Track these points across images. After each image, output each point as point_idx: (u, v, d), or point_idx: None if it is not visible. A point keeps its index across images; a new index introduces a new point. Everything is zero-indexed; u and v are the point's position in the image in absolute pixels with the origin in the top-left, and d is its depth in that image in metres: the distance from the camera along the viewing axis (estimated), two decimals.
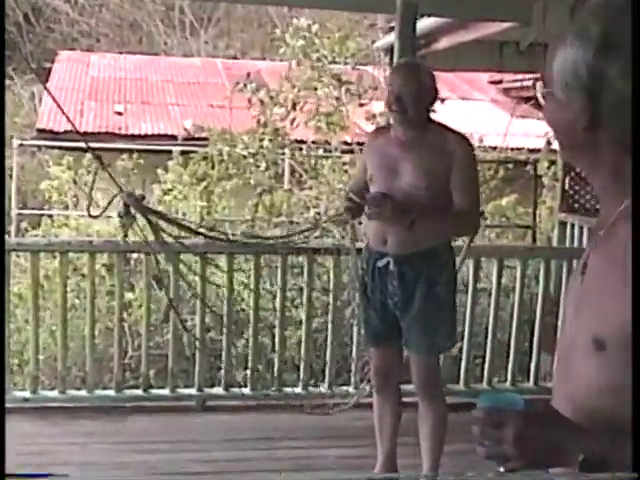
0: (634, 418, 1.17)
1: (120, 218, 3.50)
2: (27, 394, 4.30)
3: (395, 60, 4.34)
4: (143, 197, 3.57)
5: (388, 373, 3.62)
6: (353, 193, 3.32)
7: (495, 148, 8.35)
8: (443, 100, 6.91)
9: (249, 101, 6.56)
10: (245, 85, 6.50)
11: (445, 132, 3.35)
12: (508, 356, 4.74)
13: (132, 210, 3.50)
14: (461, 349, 4.77)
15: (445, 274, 3.39)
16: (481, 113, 11.24)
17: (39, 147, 10.01)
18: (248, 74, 6.56)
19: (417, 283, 3.34)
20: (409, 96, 3.25)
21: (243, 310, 5.15)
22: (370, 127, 6.75)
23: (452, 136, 3.34)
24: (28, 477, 3.37)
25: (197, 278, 4.50)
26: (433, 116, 3.38)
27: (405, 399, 3.76)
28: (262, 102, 6.32)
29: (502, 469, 1.24)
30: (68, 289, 4.42)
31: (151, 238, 3.62)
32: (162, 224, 3.70)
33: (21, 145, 9.85)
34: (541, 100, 1.37)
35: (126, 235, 3.62)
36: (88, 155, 7.00)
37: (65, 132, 9.71)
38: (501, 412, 1.26)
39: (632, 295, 1.19)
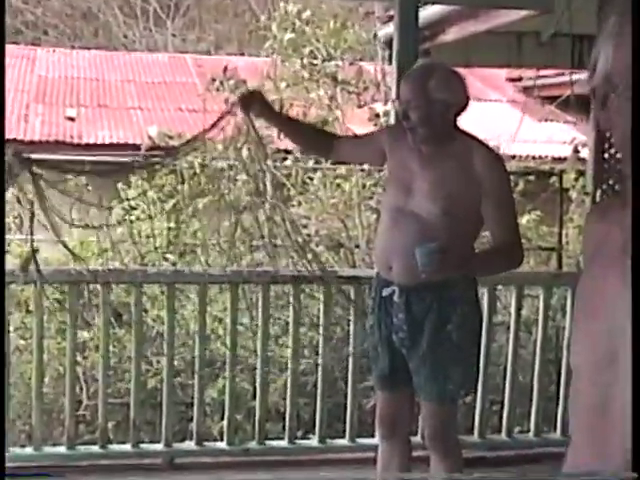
0: (634, 418, 1.22)
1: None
2: None
3: (395, 54, 4.39)
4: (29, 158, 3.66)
5: (396, 421, 3.65)
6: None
7: (514, 157, 8.39)
8: None
9: (226, 102, 6.59)
10: (222, 83, 6.52)
11: (474, 147, 3.32)
12: (531, 402, 4.76)
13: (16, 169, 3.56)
14: (475, 393, 4.80)
15: (461, 310, 3.37)
16: (497, 116, 11.31)
17: None
18: (225, 69, 6.57)
19: (426, 318, 3.35)
20: (419, 112, 3.25)
21: (218, 350, 5.16)
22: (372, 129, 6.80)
23: (482, 152, 3.31)
24: (28, 477, 3.39)
25: (163, 312, 4.52)
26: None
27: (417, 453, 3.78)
28: None
29: None
30: (11, 327, 4.42)
31: None
32: None
33: None
34: (593, 102, 1.37)
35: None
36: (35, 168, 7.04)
37: (7, 141, 9.75)
38: None
39: (632, 295, 1.24)
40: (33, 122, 10.55)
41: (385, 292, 3.41)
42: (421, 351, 3.38)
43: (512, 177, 7.88)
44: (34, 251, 4.01)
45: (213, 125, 3.74)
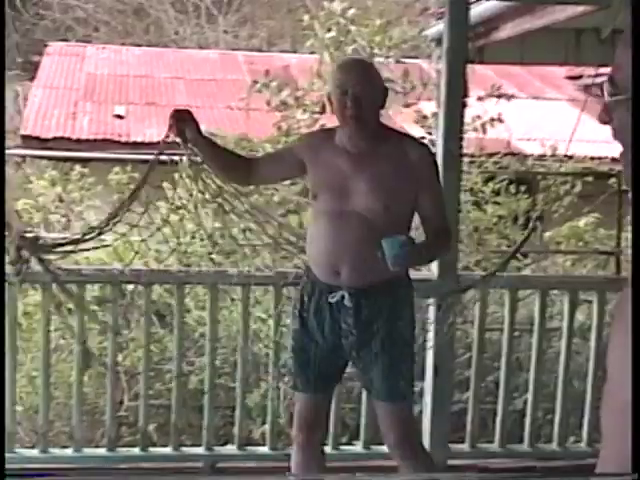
0: (634, 417, 1.23)
1: (12, 266, 3.56)
2: None
3: (445, 52, 4.38)
4: (37, 238, 3.66)
5: (317, 426, 3.68)
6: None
7: (571, 157, 8.32)
8: (509, 97, 6.94)
9: (268, 104, 6.62)
10: (264, 84, 6.55)
11: (402, 140, 3.49)
12: (584, 411, 4.72)
13: (25, 254, 3.58)
14: (525, 402, 4.77)
15: (406, 308, 3.50)
16: (556, 115, 11.22)
17: (23, 157, 10.16)
18: (267, 71, 6.61)
19: (378, 319, 3.42)
20: (366, 95, 3.34)
21: (261, 352, 5.17)
22: (419, 131, 6.77)
23: (412, 145, 3.47)
24: (28, 477, 3.46)
25: (206, 313, 4.55)
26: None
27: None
28: (285, 104, 6.36)
29: None
30: (52, 327, 4.47)
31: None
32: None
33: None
34: (609, 104, 1.38)
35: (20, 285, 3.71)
36: (78, 167, 7.15)
37: (54, 139, 9.90)
38: None
39: (632, 294, 1.24)
40: (81, 120, 10.66)
41: (332, 298, 3.42)
42: (373, 352, 3.44)
43: (569, 178, 7.90)
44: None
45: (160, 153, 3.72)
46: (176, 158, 3.94)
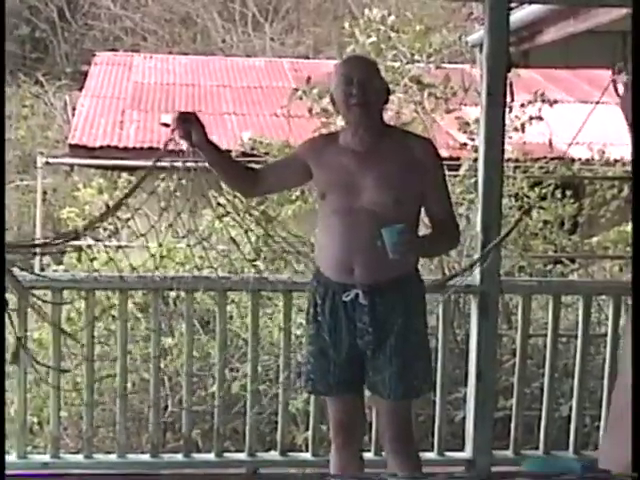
0: (634, 417, 1.25)
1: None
2: (47, 458, 4.40)
3: (485, 57, 4.37)
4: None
5: (353, 427, 3.68)
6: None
7: (617, 161, 8.25)
8: (552, 103, 6.89)
9: (309, 111, 6.62)
10: (305, 92, 6.56)
11: (407, 137, 3.54)
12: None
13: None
14: (570, 408, 4.75)
15: (419, 304, 3.53)
16: (605, 118, 11.12)
17: (71, 166, 10.29)
18: (308, 79, 6.62)
19: (392, 316, 3.43)
20: (371, 84, 3.38)
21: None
22: (462, 137, 6.76)
23: (416, 141, 3.52)
24: (28, 477, 3.51)
25: (248, 320, 4.58)
26: None
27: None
28: (326, 111, 6.37)
29: None
30: (95, 334, 4.53)
31: None
32: None
33: (47, 163, 10.12)
34: (621, 90, 1.40)
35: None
36: (125, 175, 7.22)
37: (101, 148, 10.02)
38: None
39: (632, 294, 1.27)
40: (128, 129, 10.77)
41: (346, 297, 3.43)
42: (388, 350, 3.44)
43: (617, 182, 7.83)
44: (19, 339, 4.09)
45: (163, 150, 3.68)
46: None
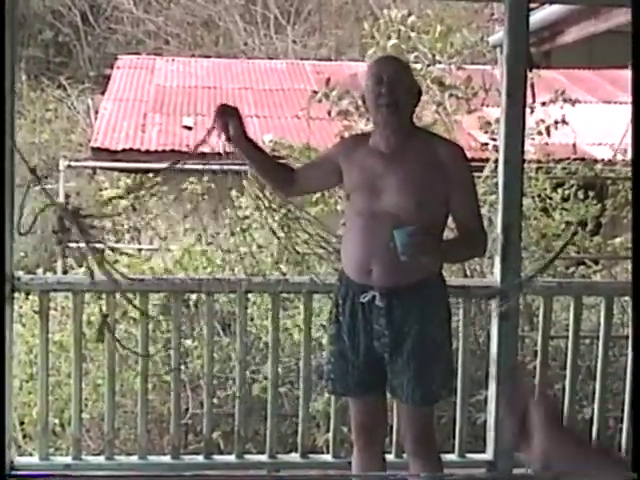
0: (634, 417, 1.28)
1: (55, 234, 3.68)
2: (68, 460, 4.43)
3: (505, 58, 4.36)
4: (78, 209, 3.75)
5: (375, 428, 3.68)
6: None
7: None
8: (574, 102, 6.87)
9: (329, 113, 6.63)
10: (325, 94, 6.57)
11: (435, 140, 3.52)
12: None
13: (67, 224, 3.66)
14: (593, 410, 4.72)
15: (440, 309, 3.50)
16: (628, 119, 11.07)
17: (94, 169, 10.32)
18: (328, 80, 6.63)
19: (408, 320, 3.42)
20: (401, 86, 3.37)
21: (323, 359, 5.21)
22: (484, 137, 6.74)
23: (444, 144, 3.50)
24: (28, 477, 3.54)
25: (269, 322, 4.59)
26: None
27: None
28: (346, 113, 6.37)
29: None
30: (116, 336, 4.54)
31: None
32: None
33: (70, 167, 10.17)
34: None
35: (64, 254, 3.84)
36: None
37: (123, 151, 10.05)
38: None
39: (633, 294, 1.29)
40: (150, 132, 10.79)
41: (364, 298, 3.44)
42: (405, 354, 3.44)
43: None
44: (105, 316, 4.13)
45: (202, 141, 3.69)
46: (245, 167, 3.98)
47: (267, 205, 4.54)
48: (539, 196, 6.57)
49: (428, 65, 6.41)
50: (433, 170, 3.38)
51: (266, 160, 3.77)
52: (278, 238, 4.62)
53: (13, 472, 4.18)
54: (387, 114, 3.39)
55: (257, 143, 3.67)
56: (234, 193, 6.68)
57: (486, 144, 6.33)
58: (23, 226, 3.73)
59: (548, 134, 6.38)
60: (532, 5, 4.62)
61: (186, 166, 4.15)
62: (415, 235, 3.17)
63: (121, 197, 4.53)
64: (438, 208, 3.42)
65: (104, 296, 4.38)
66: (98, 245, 3.99)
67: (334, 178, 3.65)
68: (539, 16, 5.75)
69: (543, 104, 6.36)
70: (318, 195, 6.64)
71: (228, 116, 3.51)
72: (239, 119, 3.52)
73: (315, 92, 6.77)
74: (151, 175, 5.01)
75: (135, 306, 4.26)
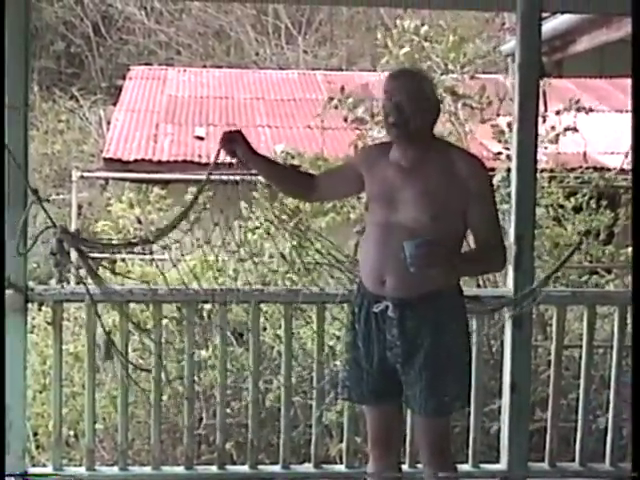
0: (634, 417, 1.27)
1: (52, 255, 3.69)
2: (82, 471, 4.42)
3: (517, 67, 4.36)
4: (78, 231, 3.77)
5: (390, 437, 3.68)
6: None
7: None
8: (588, 111, 6.86)
9: (345, 120, 6.63)
10: (340, 101, 6.58)
11: (454, 153, 3.47)
12: None
13: (66, 246, 3.67)
14: (607, 420, 4.71)
15: (455, 321, 3.48)
16: None
17: (106, 179, 10.35)
18: (342, 88, 6.64)
19: (421, 331, 3.41)
20: (411, 104, 3.35)
21: (336, 368, 5.20)
22: (497, 147, 6.73)
23: (463, 158, 3.45)
24: (28, 477, 3.54)
25: (281, 332, 4.59)
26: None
27: None
28: (361, 121, 6.38)
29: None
30: (130, 347, 4.55)
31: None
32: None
33: (82, 177, 10.20)
34: None
35: (61, 277, 3.85)
36: (157, 189, 7.28)
37: (135, 161, 10.08)
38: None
39: (633, 294, 1.29)
40: (162, 142, 10.82)
41: (377, 308, 3.44)
42: (417, 365, 3.43)
43: None
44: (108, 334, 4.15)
45: (211, 170, 3.83)
46: (254, 178, 4.02)
47: (277, 215, 4.57)
48: (551, 205, 6.56)
49: (441, 74, 6.41)
50: (451, 184, 3.36)
51: (280, 172, 3.86)
52: (284, 257, 4.60)
53: None
54: (395, 134, 3.41)
55: (268, 157, 3.73)
56: (243, 204, 6.71)
57: (499, 153, 6.32)
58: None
59: (557, 141, 6.37)
60: (544, 14, 4.60)
61: (196, 177, 4.17)
62: (422, 247, 3.18)
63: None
64: (455, 221, 3.41)
65: (117, 307, 4.39)
66: (104, 258, 4.02)
67: (355, 186, 3.67)
68: (551, 25, 5.75)
69: (557, 113, 6.35)
70: (330, 205, 6.65)
71: (233, 142, 3.64)
72: (244, 141, 3.63)
73: (331, 98, 6.77)
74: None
75: (134, 323, 4.30)
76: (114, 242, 4.49)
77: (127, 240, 4.24)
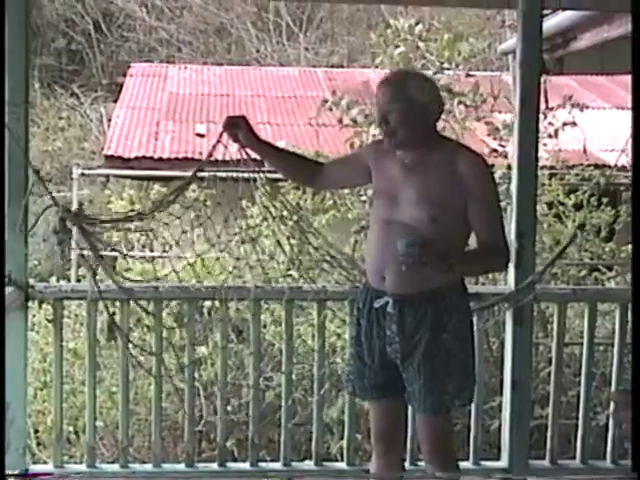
0: (634, 417, 1.29)
1: (56, 234, 3.72)
2: (82, 468, 4.42)
3: (518, 64, 4.36)
4: (80, 209, 3.78)
5: (393, 433, 3.68)
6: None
7: None
8: (583, 108, 6.85)
9: (340, 121, 6.65)
10: (334, 103, 6.59)
11: (457, 151, 3.45)
12: None
13: (68, 224, 3.68)
14: (608, 417, 4.71)
15: (456, 318, 3.46)
16: None
17: (107, 177, 10.35)
18: (334, 92, 6.69)
19: (420, 328, 3.41)
20: (398, 115, 3.34)
21: (338, 366, 5.20)
22: (493, 144, 6.73)
23: (466, 156, 3.42)
24: (28, 477, 3.55)
25: (282, 329, 4.59)
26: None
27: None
28: (355, 122, 6.38)
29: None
30: (129, 347, 4.54)
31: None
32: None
33: (83, 175, 10.19)
34: None
35: (62, 255, 3.88)
36: (157, 187, 7.26)
37: (136, 159, 10.07)
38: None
39: (633, 293, 1.29)
40: (163, 139, 10.81)
41: (377, 303, 3.46)
42: (416, 362, 3.43)
43: None
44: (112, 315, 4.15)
45: (210, 154, 3.80)
46: (254, 175, 4.01)
47: (276, 214, 4.57)
48: (552, 202, 6.56)
49: (436, 73, 6.40)
50: (452, 183, 3.35)
51: (285, 156, 3.85)
52: (284, 251, 4.59)
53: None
54: (387, 142, 3.42)
55: (269, 142, 3.74)
56: (244, 203, 6.71)
57: (495, 150, 6.32)
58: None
59: (556, 136, 6.36)
60: (545, 11, 4.60)
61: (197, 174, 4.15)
62: (413, 246, 3.18)
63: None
64: (457, 221, 3.39)
65: (117, 304, 4.39)
66: (110, 253, 4.01)
67: (361, 178, 3.69)
68: (552, 22, 5.75)
69: (551, 109, 6.35)
70: (330, 202, 6.65)
71: (236, 126, 3.62)
72: (247, 125, 3.62)
73: (325, 101, 6.79)
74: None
75: (145, 310, 4.28)
76: (114, 217, 4.46)
77: (125, 214, 4.21)
